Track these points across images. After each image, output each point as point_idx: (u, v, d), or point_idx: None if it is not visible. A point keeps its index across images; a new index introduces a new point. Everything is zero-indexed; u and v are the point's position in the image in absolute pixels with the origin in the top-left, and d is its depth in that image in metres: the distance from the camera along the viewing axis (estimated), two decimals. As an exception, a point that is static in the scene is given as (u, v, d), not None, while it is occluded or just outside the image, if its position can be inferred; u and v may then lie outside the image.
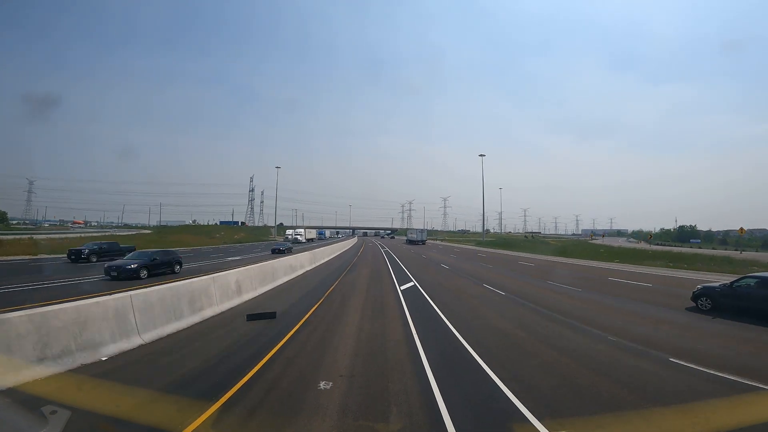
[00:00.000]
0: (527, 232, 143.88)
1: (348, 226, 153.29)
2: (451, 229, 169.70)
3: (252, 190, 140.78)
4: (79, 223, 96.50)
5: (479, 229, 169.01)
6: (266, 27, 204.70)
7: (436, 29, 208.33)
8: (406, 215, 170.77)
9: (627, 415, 4.41)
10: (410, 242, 70.90)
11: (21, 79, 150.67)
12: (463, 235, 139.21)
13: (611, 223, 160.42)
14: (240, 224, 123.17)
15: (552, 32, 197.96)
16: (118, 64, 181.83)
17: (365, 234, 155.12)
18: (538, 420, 4.25)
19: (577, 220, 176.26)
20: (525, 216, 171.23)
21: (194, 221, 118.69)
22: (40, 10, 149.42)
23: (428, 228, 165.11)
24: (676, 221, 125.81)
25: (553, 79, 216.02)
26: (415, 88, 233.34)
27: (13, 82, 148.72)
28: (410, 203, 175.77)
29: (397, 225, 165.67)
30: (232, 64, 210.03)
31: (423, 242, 69.30)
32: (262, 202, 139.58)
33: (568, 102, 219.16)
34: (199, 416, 4.33)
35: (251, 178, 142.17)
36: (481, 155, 69.01)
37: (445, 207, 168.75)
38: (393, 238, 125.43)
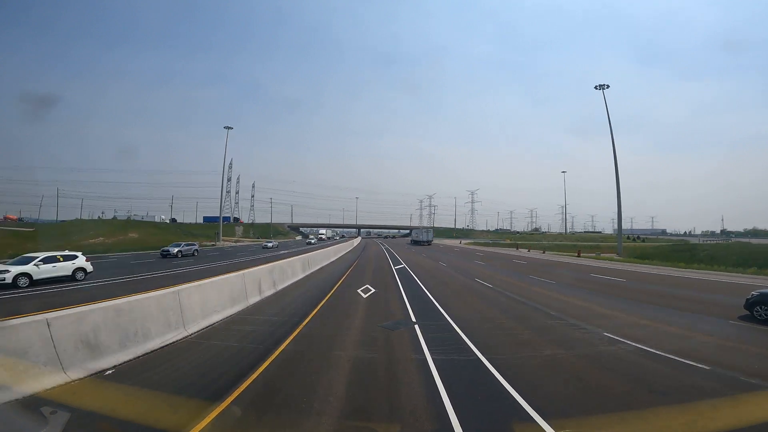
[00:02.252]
0: (637, 236, 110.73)
1: (354, 224, 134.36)
2: (478, 227, 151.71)
3: (230, 179, 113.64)
4: (12, 219, 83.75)
5: (505, 229, 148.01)
6: (269, 24, 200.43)
7: (447, 24, 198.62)
8: (425, 212, 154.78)
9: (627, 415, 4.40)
10: (415, 242, 70.52)
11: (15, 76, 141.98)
12: (514, 236, 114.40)
13: (652, 222, 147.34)
14: (234, 221, 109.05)
15: (573, 25, 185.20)
16: (114, 61, 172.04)
17: (368, 234, 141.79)
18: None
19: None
20: (564, 214, 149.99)
21: (128, 215, 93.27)
22: (39, 8, 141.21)
23: (457, 227, 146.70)
24: (722, 221, 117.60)
25: (572, 74, 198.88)
26: (428, 84, 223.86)
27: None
28: (430, 197, 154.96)
29: (415, 222, 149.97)
30: (232, 62, 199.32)
31: (429, 242, 67.82)
32: (253, 196, 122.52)
33: (589, 99, 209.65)
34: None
35: (230, 163, 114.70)
36: (603, 86, 40.49)
37: (472, 202, 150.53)
38: (394, 237, 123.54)
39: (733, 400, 4.83)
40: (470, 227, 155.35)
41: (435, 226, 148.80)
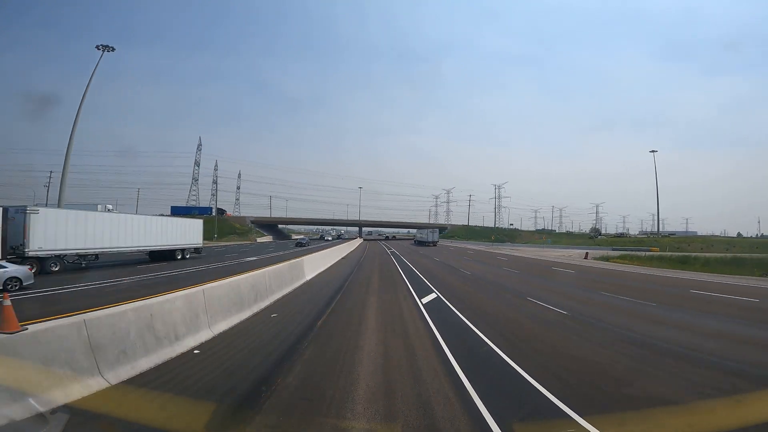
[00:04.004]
0: None
1: (357, 220, 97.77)
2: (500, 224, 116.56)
3: (198, 164, 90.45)
4: None
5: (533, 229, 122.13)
6: (271, 19, 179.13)
7: (462, 18, 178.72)
8: (441, 209, 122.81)
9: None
10: (419, 243, 65.03)
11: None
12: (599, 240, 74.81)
13: (687, 223, 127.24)
14: (214, 213, 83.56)
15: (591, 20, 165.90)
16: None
17: (369, 233, 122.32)
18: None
19: (657, 220, 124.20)
20: (597, 213, 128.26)
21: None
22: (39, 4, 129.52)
23: (491, 225, 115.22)
24: (759, 223, 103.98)
25: (587, 69, 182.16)
26: (442, 81, 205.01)
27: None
28: (448, 192, 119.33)
29: (435, 220, 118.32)
30: (232, 59, 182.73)
31: (434, 243, 61.73)
32: (238, 188, 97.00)
33: (604, 95, 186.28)
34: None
35: (198, 146, 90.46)
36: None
37: (497, 198, 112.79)
38: (395, 238, 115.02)
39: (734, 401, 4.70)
40: (513, 226, 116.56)
41: (469, 225, 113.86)
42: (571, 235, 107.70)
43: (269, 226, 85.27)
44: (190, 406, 4.26)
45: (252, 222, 78.06)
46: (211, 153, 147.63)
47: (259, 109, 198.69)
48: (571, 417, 4.05)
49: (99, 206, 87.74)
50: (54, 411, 3.15)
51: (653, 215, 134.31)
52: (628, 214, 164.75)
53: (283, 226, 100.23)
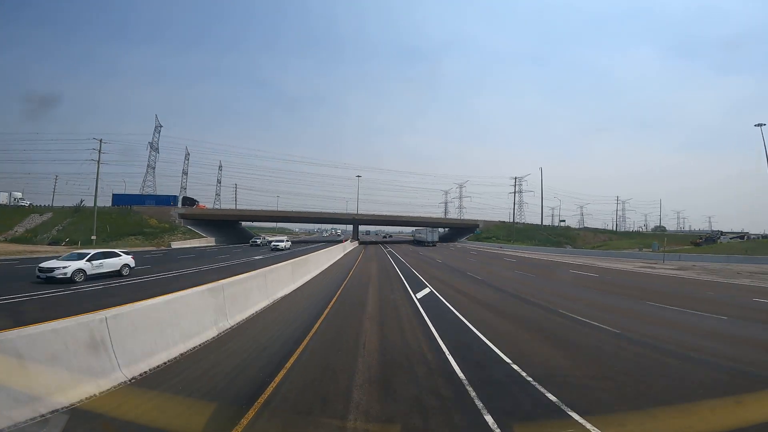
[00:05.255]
0: None
1: (353, 215, 70.28)
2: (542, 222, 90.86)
3: (157, 151, 72.54)
4: None
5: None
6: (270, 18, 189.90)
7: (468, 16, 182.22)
8: (452, 205, 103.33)
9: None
10: (417, 243, 60.79)
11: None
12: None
13: (709, 222, 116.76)
14: (189, 203, 66.70)
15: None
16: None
17: (368, 233, 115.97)
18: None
19: (680, 217, 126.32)
20: (617, 211, 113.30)
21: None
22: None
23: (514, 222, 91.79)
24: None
25: (599, 67, 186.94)
26: (444, 81, 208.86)
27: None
28: (460, 187, 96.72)
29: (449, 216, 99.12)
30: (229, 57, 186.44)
31: (433, 244, 56.59)
32: (219, 182, 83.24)
33: (616, 96, 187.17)
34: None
35: (156, 127, 72.59)
36: None
37: (516, 192, 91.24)
38: (391, 237, 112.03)
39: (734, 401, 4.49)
40: (566, 224, 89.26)
41: (515, 221, 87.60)
42: (664, 236, 78.59)
43: (223, 222, 59.30)
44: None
45: (181, 216, 52.45)
46: (206, 149, 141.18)
47: (256, 106, 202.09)
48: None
49: (3, 193, 64.48)
50: (56, 411, 3.10)
51: (678, 213, 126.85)
52: (649, 212, 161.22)
53: (249, 223, 74.61)
